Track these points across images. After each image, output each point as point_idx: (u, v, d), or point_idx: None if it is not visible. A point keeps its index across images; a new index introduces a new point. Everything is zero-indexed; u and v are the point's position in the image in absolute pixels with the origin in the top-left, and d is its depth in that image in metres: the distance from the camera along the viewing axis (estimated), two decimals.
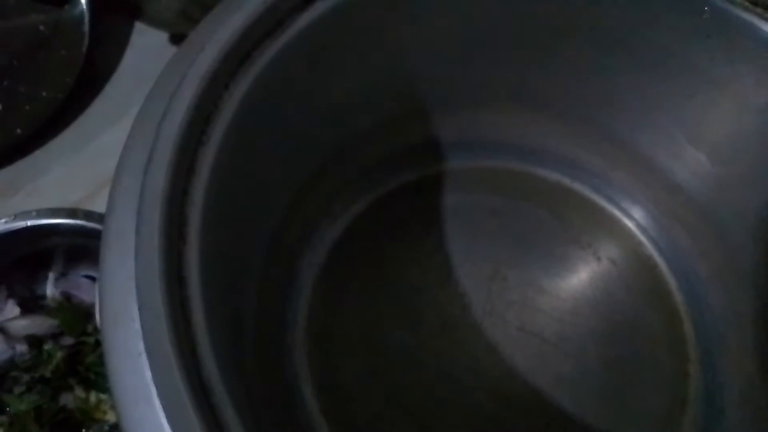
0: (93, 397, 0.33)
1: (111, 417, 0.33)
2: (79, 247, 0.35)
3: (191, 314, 0.18)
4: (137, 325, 0.16)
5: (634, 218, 0.35)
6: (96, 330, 0.34)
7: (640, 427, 0.31)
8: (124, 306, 0.16)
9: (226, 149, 0.21)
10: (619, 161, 0.35)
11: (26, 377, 0.33)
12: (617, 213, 0.36)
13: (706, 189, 0.33)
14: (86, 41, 0.41)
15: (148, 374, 0.15)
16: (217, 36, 0.21)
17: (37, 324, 0.34)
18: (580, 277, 0.34)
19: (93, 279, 0.36)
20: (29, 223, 0.33)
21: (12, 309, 0.35)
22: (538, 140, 0.36)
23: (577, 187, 0.36)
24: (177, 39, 0.44)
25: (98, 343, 0.34)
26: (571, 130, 0.35)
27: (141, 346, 0.16)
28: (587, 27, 0.30)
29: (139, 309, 0.16)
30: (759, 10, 0.25)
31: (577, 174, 0.36)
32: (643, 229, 0.35)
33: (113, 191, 0.19)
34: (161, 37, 0.44)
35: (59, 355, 0.33)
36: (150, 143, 0.19)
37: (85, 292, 0.35)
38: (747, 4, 0.26)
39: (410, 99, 0.32)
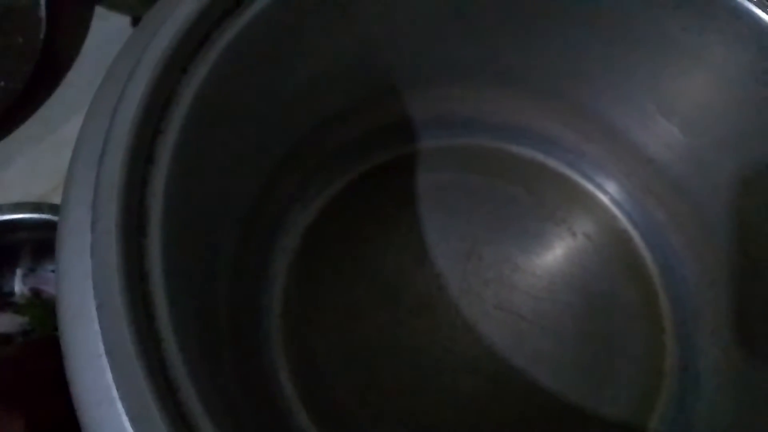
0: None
1: None
2: (47, 241, 0.34)
3: (155, 310, 0.17)
4: (96, 326, 0.15)
5: (608, 192, 0.35)
6: None
7: (619, 400, 0.31)
8: (82, 306, 0.16)
9: (187, 136, 0.20)
10: (592, 136, 0.34)
11: None
12: (591, 188, 0.36)
13: (678, 161, 0.33)
14: (43, 27, 0.40)
15: (109, 376, 0.15)
16: (173, 16, 0.20)
17: (6, 322, 0.34)
18: (556, 253, 0.34)
19: None
20: None
21: None
22: (511, 116, 0.35)
23: (551, 162, 0.36)
24: (139, 23, 0.42)
25: None
26: (544, 105, 0.35)
27: (101, 347, 0.15)
28: (558, 0, 0.29)
29: (98, 308, 0.15)
30: None
31: (551, 150, 0.36)
32: (618, 203, 0.35)
33: (67, 185, 0.18)
34: (123, 21, 0.43)
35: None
36: (104, 132, 0.18)
37: (54, 286, 0.35)
38: None
39: (381, 78, 0.31)
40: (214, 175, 0.23)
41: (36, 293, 0.35)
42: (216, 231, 0.25)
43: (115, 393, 0.15)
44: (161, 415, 0.15)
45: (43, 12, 0.40)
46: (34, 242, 0.35)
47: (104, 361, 0.15)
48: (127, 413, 0.15)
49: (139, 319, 0.16)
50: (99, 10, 0.43)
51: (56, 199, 0.37)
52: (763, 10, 0.25)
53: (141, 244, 0.18)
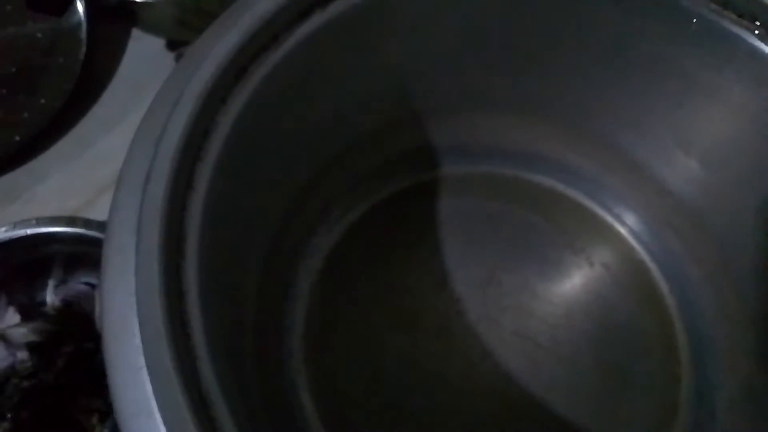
0: (95, 404, 0.33)
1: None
2: (79, 254, 0.35)
3: (191, 328, 0.18)
4: (138, 341, 0.16)
5: (626, 223, 0.36)
6: (96, 336, 0.34)
7: (633, 430, 0.32)
8: (125, 322, 0.17)
9: (224, 163, 0.21)
10: (611, 167, 0.35)
11: (27, 384, 0.34)
12: (610, 218, 0.36)
13: (697, 194, 0.33)
14: (83, 48, 0.42)
15: (149, 388, 0.16)
16: (214, 52, 0.21)
17: (38, 331, 0.35)
18: (574, 281, 0.35)
19: (92, 286, 0.36)
20: (29, 231, 0.33)
21: (12, 316, 0.35)
22: (532, 146, 0.36)
23: (571, 192, 0.37)
24: (174, 45, 0.44)
25: (99, 350, 0.34)
26: (565, 135, 0.35)
27: (142, 360, 0.16)
28: (581, 35, 0.30)
29: (140, 325, 0.16)
30: (745, 22, 0.26)
31: (571, 179, 0.36)
32: (636, 234, 0.36)
33: (113, 208, 0.19)
34: (158, 43, 0.44)
35: (60, 362, 0.33)
36: (148, 160, 0.19)
37: (84, 298, 0.36)
38: (734, 17, 0.26)
39: (405, 106, 0.32)
40: (246, 199, 0.24)
41: (67, 304, 0.36)
42: (245, 252, 0.26)
43: (153, 404, 0.16)
44: (197, 428, 0.16)
45: (84, 34, 0.42)
46: (66, 255, 0.36)
47: (144, 374, 0.16)
48: (164, 424, 0.16)
49: (177, 335, 0.17)
50: (135, 32, 0.45)
51: (89, 214, 0.39)
52: None
53: (180, 265, 0.19)
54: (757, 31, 0.26)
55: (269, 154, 0.25)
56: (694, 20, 0.26)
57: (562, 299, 0.34)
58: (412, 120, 0.33)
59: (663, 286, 0.35)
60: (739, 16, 0.26)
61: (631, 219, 0.36)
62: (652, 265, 0.35)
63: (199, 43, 0.22)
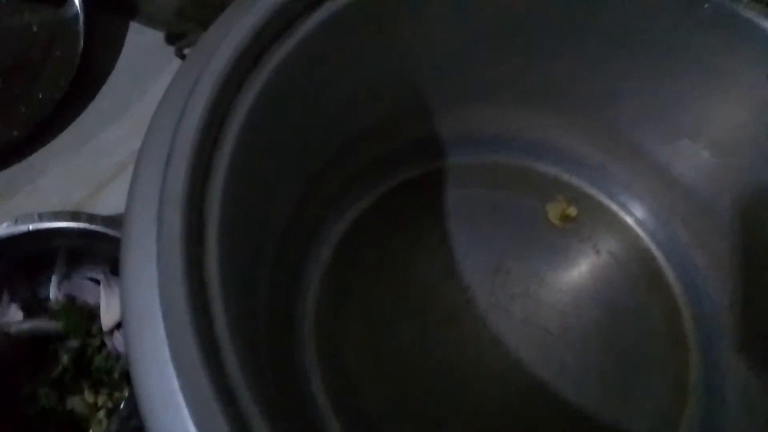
0: (101, 399, 0.33)
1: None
2: (82, 248, 0.35)
3: (213, 318, 0.18)
4: (162, 333, 0.16)
5: (632, 212, 0.36)
6: (100, 331, 0.34)
7: (643, 416, 0.32)
8: (148, 313, 0.16)
9: (240, 150, 0.21)
10: (617, 156, 0.35)
11: (32, 380, 0.33)
12: (615, 207, 0.36)
13: (703, 181, 0.33)
14: (81, 41, 0.41)
15: (176, 382, 0.16)
16: (229, 38, 0.21)
17: (41, 327, 0.34)
18: (581, 269, 0.35)
19: (96, 281, 0.35)
20: (31, 227, 0.33)
21: (15, 312, 0.34)
22: (538, 135, 0.36)
23: (576, 181, 0.37)
24: (173, 38, 0.44)
25: (103, 345, 0.34)
26: (571, 124, 0.35)
27: (167, 353, 0.16)
28: (588, 23, 0.30)
29: (164, 317, 0.16)
30: (759, 6, 0.26)
31: (577, 168, 0.37)
32: (642, 222, 0.36)
33: (131, 198, 0.19)
34: (157, 35, 0.44)
35: (65, 358, 0.33)
36: (167, 148, 0.19)
37: (88, 293, 0.35)
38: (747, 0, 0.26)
39: (413, 96, 0.32)
40: (260, 187, 0.24)
41: (70, 299, 0.35)
42: (259, 241, 0.25)
43: (181, 399, 0.15)
44: (226, 421, 0.15)
45: (81, 26, 0.41)
46: (70, 249, 0.35)
47: (170, 367, 0.16)
48: (192, 418, 0.15)
49: (201, 326, 0.17)
50: (134, 25, 0.44)
51: (91, 207, 0.38)
52: None
53: (200, 254, 0.18)
54: None
55: (281, 141, 0.25)
56: (707, 4, 0.26)
57: (570, 287, 0.34)
58: (421, 109, 0.33)
59: (669, 272, 0.35)
60: None
61: (637, 207, 0.36)
62: (658, 253, 0.36)
63: (213, 31, 0.22)
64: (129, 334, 0.17)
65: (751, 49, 0.27)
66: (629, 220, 0.36)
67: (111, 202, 0.38)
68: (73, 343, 0.34)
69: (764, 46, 0.27)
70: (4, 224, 0.32)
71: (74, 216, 0.34)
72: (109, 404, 0.33)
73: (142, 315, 0.17)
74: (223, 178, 0.20)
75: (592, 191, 0.37)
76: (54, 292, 0.35)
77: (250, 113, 0.21)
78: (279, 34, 0.22)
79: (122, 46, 0.44)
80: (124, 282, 0.17)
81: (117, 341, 0.33)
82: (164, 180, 0.18)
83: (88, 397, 0.33)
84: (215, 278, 0.18)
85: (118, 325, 0.34)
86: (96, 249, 0.34)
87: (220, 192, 0.20)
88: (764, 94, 0.28)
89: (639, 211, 0.36)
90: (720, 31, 0.27)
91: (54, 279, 0.35)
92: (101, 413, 0.33)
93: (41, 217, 0.33)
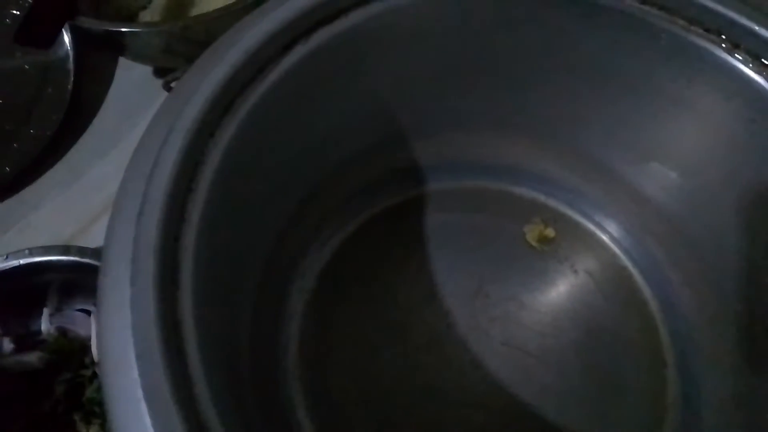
0: (92, 430, 0.33)
1: None
2: (73, 281, 0.35)
3: (187, 356, 0.19)
4: (135, 374, 0.17)
5: (607, 231, 0.37)
6: (93, 363, 0.35)
7: None
8: (123, 354, 0.17)
9: (215, 194, 0.22)
10: (590, 177, 0.36)
11: (25, 413, 0.34)
12: (591, 227, 0.37)
13: (674, 201, 0.34)
14: (71, 79, 0.42)
15: (148, 420, 0.16)
16: (201, 88, 0.22)
17: (34, 360, 0.35)
18: (559, 290, 0.36)
19: (88, 312, 0.36)
20: (22, 261, 0.34)
21: (7, 346, 0.35)
22: (513, 160, 0.37)
23: (552, 202, 0.38)
24: (161, 72, 0.45)
25: (95, 376, 0.35)
26: (544, 148, 0.36)
27: (140, 393, 0.17)
28: (553, 53, 0.31)
29: (137, 358, 0.17)
30: (712, 37, 0.27)
31: (553, 191, 0.37)
32: (617, 241, 0.37)
33: (107, 242, 0.20)
34: (146, 70, 0.45)
35: (58, 390, 0.34)
36: (141, 195, 0.20)
37: (80, 325, 0.36)
38: (701, 31, 0.27)
39: (389, 128, 0.33)
40: (237, 226, 0.25)
41: (62, 332, 0.36)
42: (238, 277, 0.26)
43: None
44: None
45: (71, 65, 0.42)
46: (61, 283, 0.36)
47: (143, 406, 0.17)
48: None
49: (174, 365, 0.18)
50: (123, 61, 0.46)
51: (83, 241, 0.39)
52: (746, 67, 0.27)
53: (174, 295, 0.19)
54: (723, 45, 0.28)
55: (259, 180, 0.26)
56: (663, 35, 0.28)
57: (548, 308, 0.35)
58: (397, 140, 0.34)
59: (645, 290, 0.36)
60: (706, 30, 0.27)
61: (612, 226, 0.37)
62: (634, 271, 0.36)
63: (186, 78, 0.23)
64: (104, 374, 0.18)
65: (707, 75, 0.28)
66: (605, 239, 0.37)
67: (102, 236, 0.39)
68: (65, 374, 0.35)
69: (719, 72, 0.28)
70: None
71: (65, 250, 0.35)
72: None
73: (117, 357, 0.18)
74: (197, 222, 0.21)
75: (569, 212, 0.38)
76: (46, 324, 0.36)
77: (224, 158, 0.22)
78: (251, 79, 0.24)
79: (111, 81, 0.45)
80: (100, 325, 0.18)
81: None
82: (138, 224, 0.19)
83: (81, 428, 0.34)
84: (189, 318, 0.19)
85: None
86: (87, 281, 0.35)
87: (195, 235, 0.21)
88: (724, 119, 0.29)
89: (615, 230, 0.37)
90: (677, 61, 0.28)
91: (46, 312, 0.36)
92: None
93: (32, 252, 0.34)
